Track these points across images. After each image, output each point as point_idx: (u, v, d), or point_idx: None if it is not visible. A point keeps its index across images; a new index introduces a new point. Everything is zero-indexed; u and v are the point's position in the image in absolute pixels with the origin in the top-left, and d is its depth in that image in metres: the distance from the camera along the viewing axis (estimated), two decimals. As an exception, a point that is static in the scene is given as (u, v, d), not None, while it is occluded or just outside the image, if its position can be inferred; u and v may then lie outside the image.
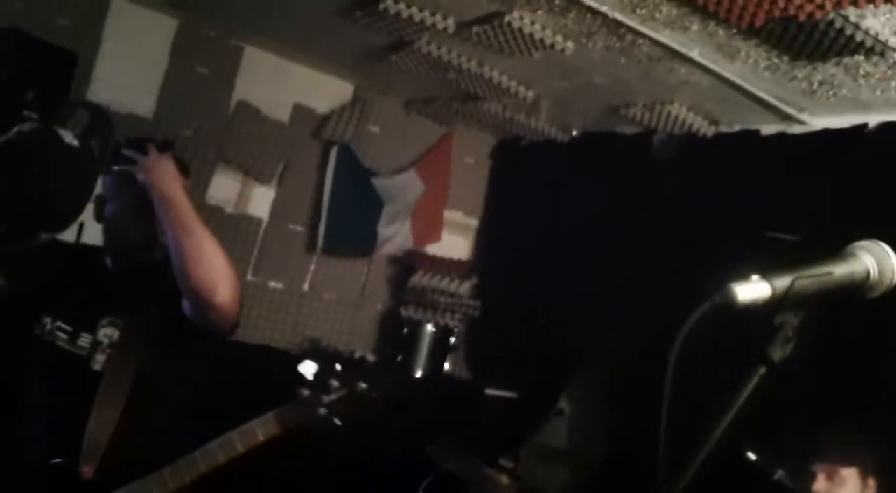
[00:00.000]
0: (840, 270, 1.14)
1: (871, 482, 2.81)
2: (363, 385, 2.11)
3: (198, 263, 2.14)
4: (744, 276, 1.08)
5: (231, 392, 2.39)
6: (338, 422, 2.11)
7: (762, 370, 1.08)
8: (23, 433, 2.29)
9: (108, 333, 2.27)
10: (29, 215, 2.18)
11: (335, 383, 2.10)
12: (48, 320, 2.31)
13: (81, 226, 4.67)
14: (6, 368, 2.34)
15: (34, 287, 2.36)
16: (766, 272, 1.09)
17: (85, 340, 2.29)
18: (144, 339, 2.26)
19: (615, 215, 5.30)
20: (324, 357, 2.17)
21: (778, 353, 1.08)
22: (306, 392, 2.09)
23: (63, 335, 2.30)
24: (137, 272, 2.37)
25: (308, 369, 2.11)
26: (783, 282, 1.09)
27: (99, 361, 2.26)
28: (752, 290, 1.08)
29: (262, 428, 2.11)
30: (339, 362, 2.15)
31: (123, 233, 2.39)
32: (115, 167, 2.35)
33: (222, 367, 2.50)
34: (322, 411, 2.09)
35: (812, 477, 2.85)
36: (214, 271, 2.15)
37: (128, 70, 5.15)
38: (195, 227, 2.18)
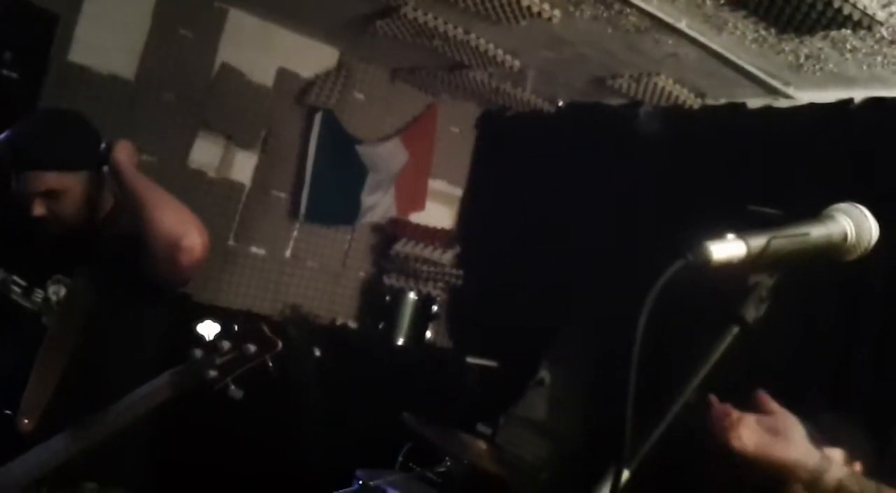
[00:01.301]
0: (817, 231, 1.13)
1: (858, 467, 2.79)
2: (252, 348, 2.08)
3: (165, 211, 2.30)
4: (718, 234, 1.07)
5: (176, 351, 2.40)
6: (232, 386, 2.09)
7: (735, 331, 1.07)
8: None
9: (55, 290, 2.36)
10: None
11: (226, 345, 2.08)
12: (0, 271, 2.39)
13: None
14: None
15: None
16: (741, 232, 1.08)
17: (38, 295, 2.36)
18: (89, 297, 2.32)
19: (599, 187, 5.30)
20: (226, 318, 2.17)
21: (751, 313, 1.07)
22: (199, 353, 2.08)
23: (17, 289, 2.37)
24: (85, 233, 2.46)
25: (207, 329, 2.11)
26: (759, 241, 1.08)
27: (48, 317, 2.34)
28: (727, 248, 1.06)
29: (157, 391, 2.11)
30: (238, 323, 2.14)
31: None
32: None
33: (167, 326, 2.49)
34: (212, 373, 2.06)
35: None
36: (183, 216, 2.31)
37: (109, 32, 5.07)
38: (159, 189, 2.39)
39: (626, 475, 0.99)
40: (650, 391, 1.18)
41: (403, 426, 3.53)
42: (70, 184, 2.37)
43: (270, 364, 2.11)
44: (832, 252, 1.15)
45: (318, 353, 5.20)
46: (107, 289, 2.34)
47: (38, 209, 2.35)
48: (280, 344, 2.11)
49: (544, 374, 5.09)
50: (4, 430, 2.20)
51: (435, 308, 5.75)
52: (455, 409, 4.84)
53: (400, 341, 5.58)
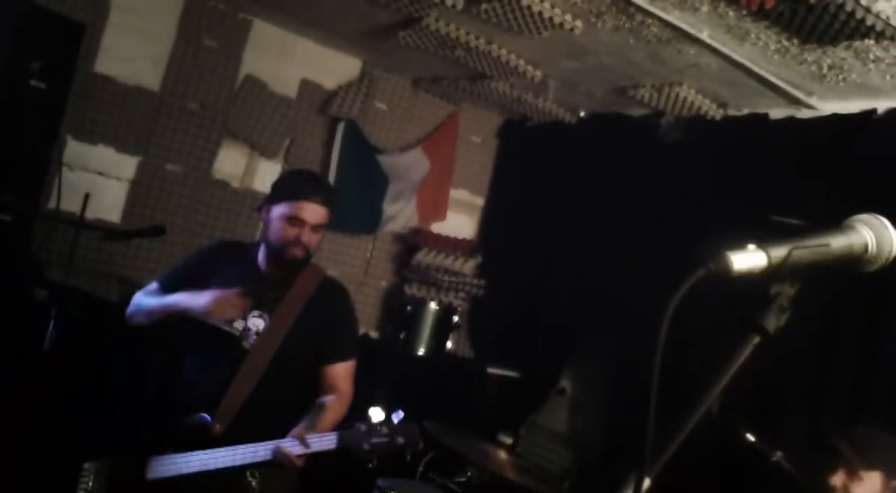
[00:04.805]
0: (838, 242, 1.13)
1: None
2: (401, 440, 2.70)
3: None
4: (739, 244, 1.07)
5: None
6: (374, 460, 2.72)
7: (755, 340, 1.07)
8: (183, 390, 3.01)
9: (256, 322, 2.98)
10: None
11: (384, 430, 2.70)
12: None
13: (87, 197, 4.70)
14: (173, 343, 3.11)
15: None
16: (762, 242, 1.08)
17: (239, 324, 2.95)
18: (284, 331, 2.97)
19: (620, 197, 5.29)
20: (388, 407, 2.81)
21: (772, 322, 1.07)
22: (363, 427, 2.69)
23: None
24: (286, 276, 3.07)
25: (375, 413, 2.74)
26: (780, 252, 1.08)
27: (248, 342, 2.95)
28: (747, 258, 1.07)
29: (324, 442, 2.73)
30: (397, 417, 2.75)
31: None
32: None
33: None
34: (365, 446, 2.67)
35: (832, 469, 2.78)
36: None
37: (135, 42, 5.14)
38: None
39: (647, 483, 0.99)
40: (670, 399, 1.19)
41: (425, 434, 3.53)
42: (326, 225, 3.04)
43: (408, 458, 2.77)
44: (852, 263, 1.15)
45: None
46: (297, 326, 3.00)
47: (308, 236, 2.97)
48: (422, 444, 2.76)
49: (565, 383, 5.08)
50: (202, 430, 2.82)
51: (456, 318, 5.74)
52: (476, 418, 4.83)
53: (421, 351, 5.58)
